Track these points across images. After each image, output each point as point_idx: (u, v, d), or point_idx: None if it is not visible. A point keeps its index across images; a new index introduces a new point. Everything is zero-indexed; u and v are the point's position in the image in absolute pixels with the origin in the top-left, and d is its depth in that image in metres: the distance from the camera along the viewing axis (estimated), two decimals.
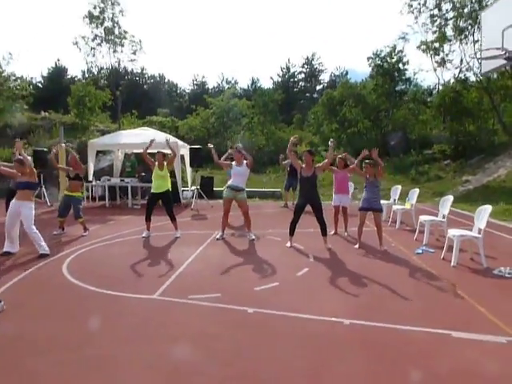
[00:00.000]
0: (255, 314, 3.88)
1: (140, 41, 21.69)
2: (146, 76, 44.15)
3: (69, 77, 38.23)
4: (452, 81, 21.28)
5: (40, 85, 37.78)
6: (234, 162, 7.36)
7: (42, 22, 58.48)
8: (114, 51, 21.63)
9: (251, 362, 3.03)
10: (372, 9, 68.60)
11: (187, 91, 45.11)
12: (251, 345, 3.30)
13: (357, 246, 6.71)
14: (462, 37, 18.33)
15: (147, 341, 3.36)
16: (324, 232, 6.65)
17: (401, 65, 21.62)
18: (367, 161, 6.72)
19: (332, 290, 4.63)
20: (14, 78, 19.95)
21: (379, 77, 21.57)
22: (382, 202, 7.82)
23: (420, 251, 6.39)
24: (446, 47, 19.33)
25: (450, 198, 7.15)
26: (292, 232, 6.77)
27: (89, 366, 2.97)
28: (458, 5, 18.04)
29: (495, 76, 18.72)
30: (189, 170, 13.43)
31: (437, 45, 19.28)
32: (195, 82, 45.23)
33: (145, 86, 43.00)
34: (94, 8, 20.45)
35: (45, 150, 12.73)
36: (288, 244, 6.74)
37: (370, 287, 4.71)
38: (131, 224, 8.84)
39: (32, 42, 54.90)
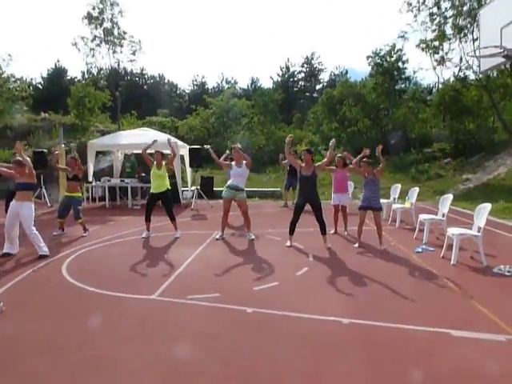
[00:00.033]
0: (254, 314, 3.87)
1: (139, 41, 21.69)
2: (146, 76, 44.20)
3: (68, 78, 38.27)
4: (452, 79, 21.30)
5: (40, 86, 37.83)
6: (233, 163, 7.37)
7: (41, 23, 58.72)
8: (114, 52, 21.61)
9: (250, 361, 3.03)
10: (371, 8, 68.67)
11: (187, 91, 45.15)
12: (250, 345, 3.29)
13: (356, 245, 6.71)
14: (462, 35, 18.30)
15: (146, 341, 3.36)
16: (323, 231, 6.64)
17: (400, 63, 21.65)
18: (365, 159, 6.72)
19: (332, 289, 4.62)
20: (13, 79, 19.95)
21: (379, 76, 21.57)
22: (382, 200, 7.84)
23: (420, 250, 6.39)
24: (446, 46, 19.32)
25: (450, 196, 7.14)
26: (292, 231, 6.77)
27: (88, 366, 2.98)
28: (457, 3, 18.01)
29: (495, 74, 18.69)
30: (189, 170, 13.44)
31: (436, 43, 19.24)
32: (195, 82, 45.30)
33: (145, 87, 43.03)
34: (93, 9, 20.45)
35: (44, 150, 12.75)
36: (288, 243, 6.73)
37: (369, 286, 4.70)
38: (131, 224, 8.84)
39: (32, 42, 55.14)
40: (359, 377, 2.82)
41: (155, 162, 7.49)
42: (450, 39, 18.96)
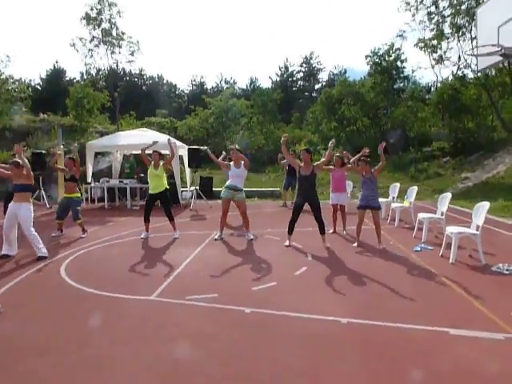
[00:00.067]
0: (252, 314, 3.87)
1: (137, 42, 21.68)
2: (145, 77, 44.15)
3: (67, 79, 38.22)
4: (450, 78, 21.30)
5: (38, 87, 37.75)
6: (231, 163, 7.37)
7: (40, 24, 58.58)
8: (112, 52, 21.60)
9: (249, 361, 3.03)
10: (370, 7, 68.64)
11: (186, 92, 45.13)
12: (249, 345, 3.29)
13: (355, 244, 6.71)
14: (460, 34, 18.33)
15: (145, 341, 3.37)
16: (322, 231, 6.64)
17: (399, 62, 21.64)
18: (363, 158, 6.71)
19: (330, 288, 4.62)
20: (12, 80, 19.91)
21: (377, 75, 21.58)
22: (381, 199, 7.83)
23: (418, 249, 6.39)
24: (444, 44, 19.35)
25: (449, 195, 7.14)
26: (291, 231, 6.77)
27: (88, 366, 2.98)
28: (455, 2, 18.02)
29: (493, 73, 18.71)
30: (188, 170, 13.43)
31: (434, 42, 19.27)
32: (194, 83, 45.25)
33: (143, 87, 42.97)
34: (91, 9, 20.43)
35: (43, 152, 12.74)
36: (286, 243, 6.73)
37: (368, 286, 4.70)
38: (130, 225, 8.83)
39: (30, 43, 55.03)
40: (358, 376, 2.82)
41: (153, 162, 7.49)
42: (448, 38, 19.00)
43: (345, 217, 7.80)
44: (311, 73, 43.71)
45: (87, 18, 20.54)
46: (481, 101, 19.63)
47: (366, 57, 22.18)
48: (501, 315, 3.72)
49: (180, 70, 70.52)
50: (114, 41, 21.20)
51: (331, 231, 7.68)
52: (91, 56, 21.60)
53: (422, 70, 35.22)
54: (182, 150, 13.03)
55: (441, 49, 19.47)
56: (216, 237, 7.38)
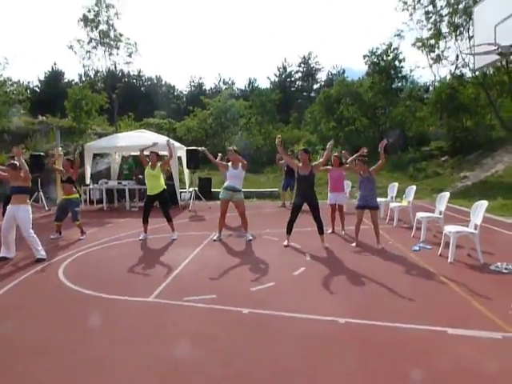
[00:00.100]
0: (250, 315, 3.87)
1: (135, 43, 21.67)
2: (143, 78, 44.09)
3: (66, 80, 38.18)
4: (448, 77, 21.31)
5: (37, 89, 37.68)
6: (229, 163, 7.36)
7: (38, 26, 58.41)
8: (110, 54, 21.59)
9: (248, 361, 3.03)
10: (368, 7, 68.67)
11: (184, 93, 45.07)
12: (248, 345, 3.29)
13: (354, 244, 6.70)
14: (458, 33, 18.35)
15: (144, 342, 3.37)
16: (321, 231, 6.64)
17: (397, 62, 21.63)
18: (361, 157, 6.70)
19: (329, 288, 4.61)
20: (10, 82, 19.91)
21: (376, 74, 21.58)
22: (380, 199, 7.83)
23: (417, 248, 6.39)
24: (442, 44, 19.36)
25: (447, 194, 7.15)
26: (289, 231, 6.77)
27: (87, 367, 2.99)
28: (452, 1, 18.04)
29: (491, 71, 18.73)
30: (186, 171, 13.43)
31: (432, 41, 19.28)
32: (192, 84, 45.19)
33: (142, 89, 42.91)
34: (89, 11, 20.43)
35: (42, 154, 12.73)
36: (285, 243, 6.73)
37: (367, 285, 4.70)
38: (129, 226, 8.83)
39: (28, 45, 54.91)
40: (357, 376, 2.82)
41: (150, 163, 7.48)
42: (445, 37, 19.02)
43: (343, 217, 7.80)
44: (309, 73, 43.69)
45: (85, 19, 20.54)
46: (479, 100, 19.64)
47: (364, 56, 22.21)
48: (499, 314, 3.71)
49: (178, 71, 70.54)
50: (112, 42, 21.19)
51: (330, 231, 7.68)
52: (89, 58, 21.61)
53: (420, 69, 35.14)
54: (181, 151, 13.03)
55: (438, 48, 19.51)
56: (215, 238, 7.37)
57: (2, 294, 4.59)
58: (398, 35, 20.89)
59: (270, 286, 4.69)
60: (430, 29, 19.25)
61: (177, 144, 12.85)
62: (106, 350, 3.26)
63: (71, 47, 21.16)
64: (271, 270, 5.38)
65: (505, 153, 16.76)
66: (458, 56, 19.27)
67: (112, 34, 21.02)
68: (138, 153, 8.06)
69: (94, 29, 20.74)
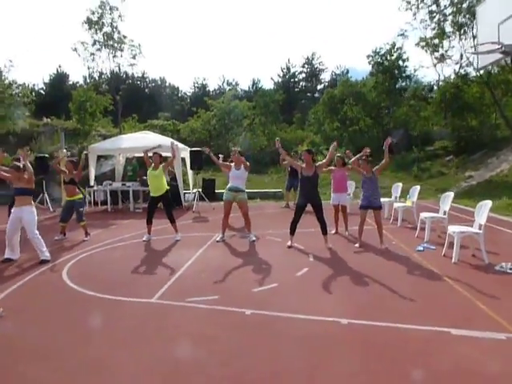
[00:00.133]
0: (253, 316, 3.86)
1: (139, 45, 21.73)
2: (147, 80, 44.30)
3: (70, 83, 38.44)
4: (452, 76, 21.22)
5: (42, 91, 38.00)
6: (232, 164, 7.37)
7: (43, 28, 58.87)
8: (114, 56, 21.67)
9: (250, 362, 3.03)
10: (371, 7, 68.46)
11: (188, 94, 45.21)
12: (249, 346, 3.29)
13: (357, 244, 6.68)
14: (462, 32, 18.25)
15: (146, 343, 3.38)
16: (324, 231, 6.63)
17: (401, 62, 21.62)
18: (364, 157, 6.67)
19: (332, 289, 4.60)
20: (15, 85, 20.03)
21: (379, 74, 21.55)
22: (384, 199, 7.80)
23: (421, 248, 6.36)
24: (446, 43, 19.29)
25: (451, 194, 7.11)
26: (292, 232, 6.76)
27: (89, 368, 3.00)
28: (456, 0, 17.95)
29: (496, 70, 18.62)
30: (190, 172, 13.46)
31: (436, 41, 19.20)
32: (196, 85, 45.32)
33: (146, 90, 43.12)
34: (93, 14, 20.52)
35: (46, 156, 12.81)
36: (288, 244, 6.72)
37: (370, 286, 4.68)
38: (133, 228, 8.86)
39: (33, 48, 55.30)
40: (358, 377, 2.81)
41: (153, 164, 7.50)
42: (449, 37, 18.93)
43: (346, 217, 7.77)
44: (313, 73, 43.68)
45: (89, 22, 20.64)
46: (484, 99, 19.54)
47: (368, 56, 22.21)
48: (504, 315, 3.68)
49: (182, 72, 70.70)
50: (116, 44, 21.26)
51: (333, 232, 7.66)
52: (93, 60, 21.70)
53: (424, 68, 35.06)
54: (184, 152, 13.06)
55: (442, 47, 19.44)
56: (218, 239, 7.38)
57: (7, 295, 4.62)
58: (402, 35, 20.90)
59: (273, 287, 4.68)
60: (433, 28, 19.20)
61: (180, 145, 12.88)
62: (108, 351, 3.27)
63: (75, 49, 21.26)
64: (274, 271, 5.38)
65: (510, 152, 16.64)
66: (462, 55, 19.22)
67: (116, 36, 21.09)
68: (142, 154, 8.10)
69: (97, 31, 20.83)
